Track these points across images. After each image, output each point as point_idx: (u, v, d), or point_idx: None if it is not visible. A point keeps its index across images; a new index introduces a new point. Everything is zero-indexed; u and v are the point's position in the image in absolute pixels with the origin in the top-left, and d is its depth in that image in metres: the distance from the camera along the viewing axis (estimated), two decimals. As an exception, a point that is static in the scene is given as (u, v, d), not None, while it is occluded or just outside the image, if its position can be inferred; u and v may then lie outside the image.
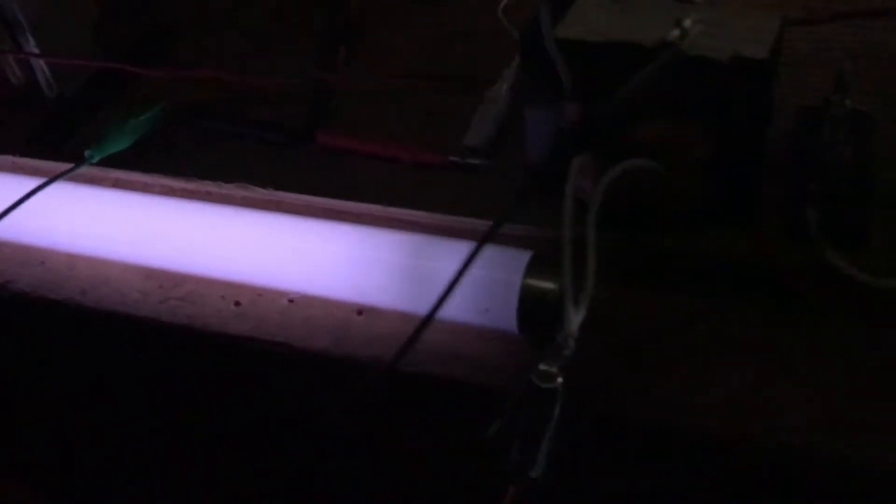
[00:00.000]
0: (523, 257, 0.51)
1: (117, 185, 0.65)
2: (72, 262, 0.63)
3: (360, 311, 0.56)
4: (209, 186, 0.63)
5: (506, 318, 0.51)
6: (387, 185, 0.60)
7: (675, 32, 0.41)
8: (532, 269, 0.50)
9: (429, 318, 0.44)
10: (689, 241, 0.50)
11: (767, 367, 0.47)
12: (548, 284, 0.49)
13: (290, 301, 0.57)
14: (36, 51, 0.69)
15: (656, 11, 0.46)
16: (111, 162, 0.65)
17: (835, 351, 0.47)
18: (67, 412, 0.67)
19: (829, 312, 0.48)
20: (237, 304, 0.58)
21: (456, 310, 0.53)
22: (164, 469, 0.66)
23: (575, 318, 0.43)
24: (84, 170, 0.65)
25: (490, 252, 0.54)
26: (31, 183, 0.62)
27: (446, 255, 0.52)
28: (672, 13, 0.47)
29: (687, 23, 0.41)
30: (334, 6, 0.75)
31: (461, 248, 0.54)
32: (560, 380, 0.44)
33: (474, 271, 0.53)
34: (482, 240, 0.44)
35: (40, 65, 0.70)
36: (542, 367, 0.45)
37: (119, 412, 0.66)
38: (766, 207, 0.51)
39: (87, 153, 0.62)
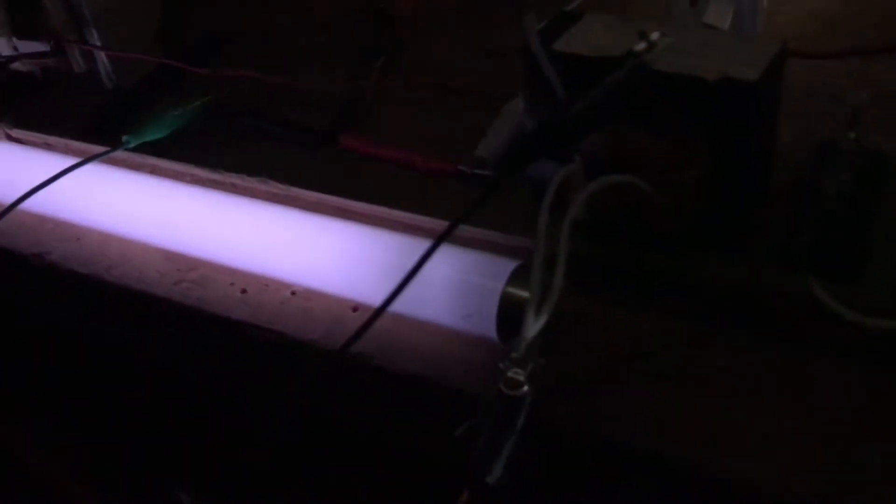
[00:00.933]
0: (509, 266, 0.52)
1: (154, 171, 0.69)
2: (104, 240, 0.67)
3: (356, 307, 0.57)
4: (234, 179, 0.66)
5: (487, 324, 0.51)
6: (398, 189, 0.62)
7: (641, 45, 0.41)
8: (515, 278, 0.51)
9: (380, 311, 0.45)
10: (676, 262, 0.50)
11: (742, 399, 0.46)
12: (527, 293, 0.49)
13: (293, 293, 0.59)
14: (98, 43, 0.74)
15: (655, 30, 0.47)
16: (150, 149, 0.69)
17: (813, 389, 0.46)
18: (82, 376, 0.71)
19: (812, 348, 0.47)
20: (244, 291, 0.60)
21: (441, 313, 0.54)
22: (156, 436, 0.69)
23: (533, 324, 0.43)
24: (125, 156, 0.70)
25: (480, 260, 0.55)
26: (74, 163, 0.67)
27: (439, 259, 0.53)
28: (674, 32, 0.47)
29: (654, 36, 0.41)
30: (381, 21, 0.78)
31: (454, 254, 0.55)
32: (526, 388, 0.45)
33: (462, 277, 0.54)
34: (438, 238, 0.45)
35: (101, 57, 0.74)
36: (510, 374, 0.45)
37: (124, 379, 0.69)
38: (762, 235, 0.50)
39: (123, 138, 0.66)
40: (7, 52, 0.78)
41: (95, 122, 0.74)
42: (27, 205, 0.68)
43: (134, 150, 0.69)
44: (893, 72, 0.62)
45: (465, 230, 0.57)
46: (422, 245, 0.57)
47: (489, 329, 0.51)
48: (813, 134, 0.56)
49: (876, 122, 0.57)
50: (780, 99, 0.48)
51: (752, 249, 0.49)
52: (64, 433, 0.69)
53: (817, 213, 0.46)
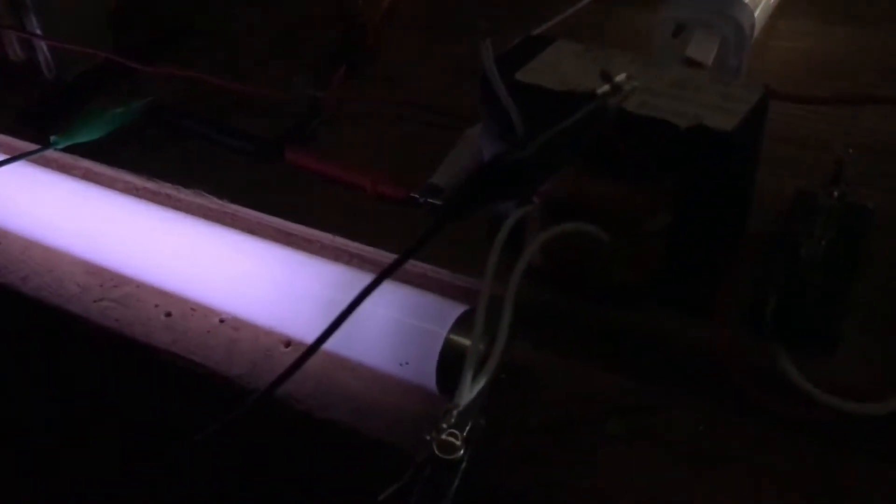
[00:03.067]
0: (456, 311, 0.47)
1: (86, 175, 0.64)
2: (27, 246, 0.62)
3: (288, 342, 0.52)
4: (169, 189, 0.61)
5: (425, 372, 0.47)
6: (345, 212, 0.57)
7: (605, 87, 0.37)
8: (460, 325, 0.46)
9: (311, 351, 0.41)
10: (634, 318, 0.45)
11: (693, 473, 0.42)
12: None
13: (221, 321, 0.54)
14: (38, 31, 0.69)
15: (626, 67, 0.42)
16: (84, 150, 0.64)
17: (769, 464, 0.42)
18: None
19: (772, 424, 0.42)
20: (168, 314, 0.55)
21: (377, 357, 0.50)
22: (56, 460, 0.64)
23: (469, 391, 0.39)
24: (56, 156, 0.64)
25: (424, 301, 0.50)
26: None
27: (377, 296, 0.49)
28: (646, 69, 0.43)
29: (619, 78, 0.37)
30: (349, 29, 0.73)
31: (395, 291, 0.50)
32: (462, 452, 0.40)
33: (403, 319, 0.50)
34: (376, 279, 0.40)
35: (41, 46, 0.69)
36: (445, 437, 0.40)
37: (28, 400, 0.64)
38: (731, 294, 0.46)
39: (52, 139, 0.61)
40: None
41: (30, 116, 0.69)
42: (-55, 202, 0.63)
43: (67, 150, 0.64)
44: (885, 122, 0.58)
45: (412, 265, 0.53)
46: (365, 279, 0.52)
47: (428, 378, 0.47)
48: (794, 183, 0.52)
49: (862, 175, 0.53)
50: (759, 148, 0.44)
51: (719, 309, 0.44)
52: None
53: (789, 277, 0.42)
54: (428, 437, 0.37)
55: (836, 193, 0.45)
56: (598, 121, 0.37)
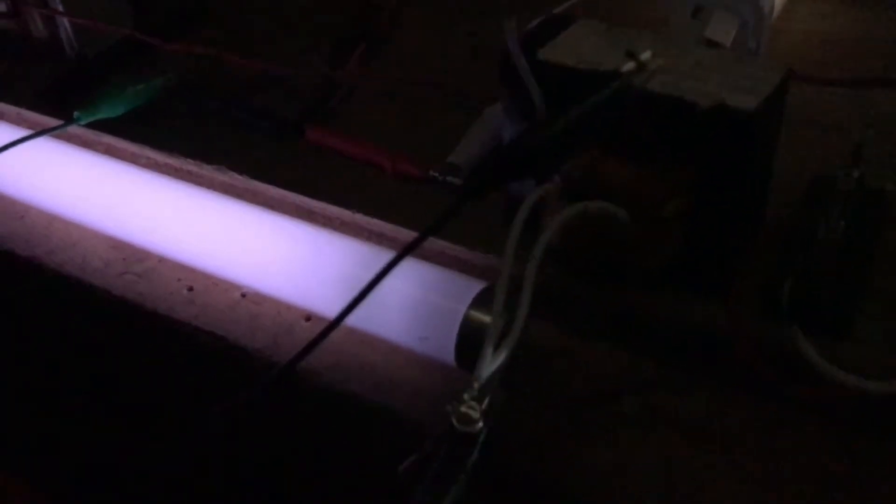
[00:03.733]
0: (475, 288, 0.48)
1: (108, 151, 0.65)
2: (50, 220, 0.62)
3: (309, 317, 0.53)
4: (191, 166, 0.61)
5: (445, 348, 0.47)
6: (364, 190, 0.58)
7: (630, 65, 0.37)
8: (479, 302, 0.47)
9: (333, 326, 0.41)
10: (652, 300, 0.46)
11: (707, 454, 0.42)
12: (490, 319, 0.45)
13: (243, 295, 0.55)
14: (60, 8, 0.69)
15: (649, 46, 0.43)
16: (107, 126, 0.65)
17: (787, 449, 0.42)
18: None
19: (789, 406, 0.43)
20: (190, 289, 0.56)
21: (397, 332, 0.50)
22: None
23: (491, 362, 0.39)
24: (79, 131, 0.65)
25: (444, 278, 0.51)
26: (23, 135, 0.62)
27: (398, 272, 0.49)
28: (668, 49, 0.43)
29: (644, 56, 0.37)
30: (366, 9, 0.73)
31: (415, 268, 0.51)
32: (481, 425, 0.41)
33: (423, 295, 0.50)
34: (398, 255, 0.41)
35: (63, 22, 0.70)
36: (464, 409, 0.41)
37: (54, 372, 0.65)
38: (749, 277, 0.46)
39: (75, 114, 0.62)
40: (-39, 10, 0.73)
41: (52, 93, 0.70)
42: (-29, 177, 0.64)
43: (89, 126, 0.65)
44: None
45: (432, 243, 0.53)
46: (384, 255, 0.53)
47: (447, 354, 0.47)
48: (813, 167, 0.52)
49: (882, 159, 0.54)
50: (779, 130, 0.44)
51: (736, 293, 0.45)
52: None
53: (807, 259, 0.42)
54: (448, 409, 0.38)
55: (854, 175, 0.45)
56: (622, 100, 0.37)
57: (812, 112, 0.58)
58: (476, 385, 0.39)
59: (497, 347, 0.40)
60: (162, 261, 0.58)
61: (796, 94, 0.58)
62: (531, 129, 0.37)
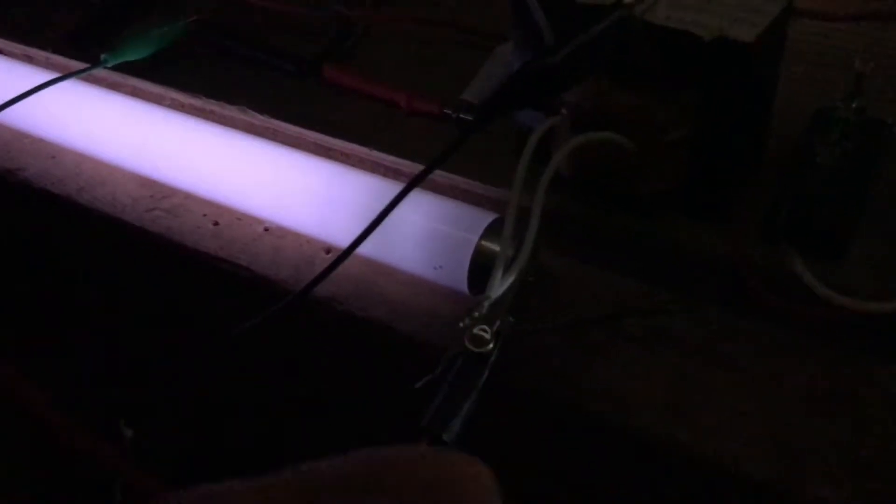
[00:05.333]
0: (487, 218, 0.50)
1: (133, 92, 0.67)
2: (80, 160, 0.65)
3: (329, 249, 0.56)
4: (213, 106, 0.64)
5: (458, 276, 0.50)
6: (380, 128, 0.60)
7: (631, -5, 0.39)
8: (491, 232, 0.49)
9: (347, 254, 0.43)
10: (656, 226, 0.48)
11: (707, 372, 0.45)
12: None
13: (266, 229, 0.58)
14: (83, -47, 0.71)
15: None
16: (131, 68, 0.67)
17: (786, 367, 0.44)
18: (45, 294, 0.71)
19: (785, 325, 0.45)
20: (216, 223, 0.58)
21: (413, 262, 0.53)
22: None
23: (500, 283, 0.42)
24: (105, 74, 0.67)
25: (457, 210, 0.53)
26: (52, 78, 0.65)
27: (412, 205, 0.51)
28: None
29: (645, -14, 0.38)
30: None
31: (429, 200, 0.53)
32: (491, 346, 0.43)
33: (436, 226, 0.53)
34: (410, 182, 0.43)
35: (87, -33, 0.71)
36: (476, 331, 0.43)
37: (85, 304, 0.69)
38: (750, 206, 0.48)
39: (102, 57, 0.64)
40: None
41: (77, 36, 0.72)
42: (4, 119, 0.66)
43: (114, 68, 0.67)
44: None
45: (445, 178, 0.56)
46: (399, 189, 0.56)
47: (460, 282, 0.50)
48: (817, 102, 0.53)
49: (885, 93, 0.55)
50: (780, 62, 0.46)
51: (737, 220, 0.47)
52: (23, 346, 0.69)
53: (804, 185, 0.44)
54: (461, 325, 0.40)
55: (854, 106, 0.46)
56: (624, 29, 0.39)
57: (818, 48, 0.59)
58: (486, 304, 0.41)
59: (506, 271, 0.42)
60: (188, 197, 0.60)
61: (801, 30, 0.59)
62: (536, 57, 0.38)
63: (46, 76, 0.66)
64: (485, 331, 0.43)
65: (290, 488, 0.30)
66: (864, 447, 0.41)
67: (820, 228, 0.44)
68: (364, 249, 0.54)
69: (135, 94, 0.67)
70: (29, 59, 0.73)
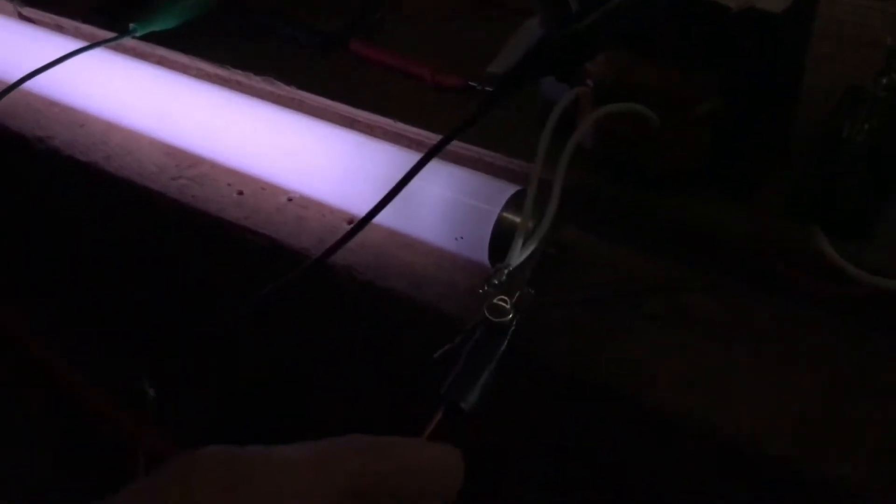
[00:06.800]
0: (509, 190, 0.50)
1: (161, 62, 0.68)
2: (107, 128, 0.66)
3: (351, 220, 0.56)
4: (240, 76, 0.64)
5: (479, 248, 0.50)
6: (405, 101, 0.60)
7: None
8: (512, 204, 0.49)
9: (365, 222, 0.44)
10: (680, 203, 0.47)
11: (729, 349, 0.44)
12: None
13: (290, 199, 0.58)
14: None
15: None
16: (158, 38, 0.67)
17: (807, 346, 0.44)
18: (73, 260, 0.72)
19: (810, 303, 0.45)
20: (240, 193, 0.59)
21: (434, 233, 0.53)
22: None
23: (520, 253, 0.42)
24: (133, 43, 0.68)
25: (479, 181, 0.53)
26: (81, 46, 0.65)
27: (434, 176, 0.52)
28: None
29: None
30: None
31: (451, 172, 0.53)
32: (511, 316, 0.43)
33: (458, 197, 0.53)
34: (430, 152, 0.43)
35: (118, -62, 0.72)
36: (496, 301, 0.44)
37: (111, 269, 0.69)
38: (777, 184, 0.48)
39: (131, 26, 0.64)
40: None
41: (106, 5, 0.72)
42: (35, 87, 0.67)
43: (142, 38, 0.67)
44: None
45: (468, 149, 0.56)
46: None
47: (481, 253, 0.50)
48: (846, 83, 0.53)
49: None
50: (809, 36, 0.45)
51: (763, 197, 0.46)
52: (52, 314, 0.70)
53: (831, 162, 0.44)
54: (480, 292, 0.40)
55: (884, 82, 0.45)
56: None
57: (850, 25, 0.58)
58: (505, 272, 0.41)
59: (527, 241, 0.42)
60: (213, 166, 0.61)
61: (835, 7, 0.58)
62: (561, 26, 0.38)
63: (75, 45, 0.67)
64: (504, 301, 0.43)
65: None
66: (884, 426, 0.41)
67: (845, 206, 0.43)
68: (385, 220, 0.54)
69: (162, 63, 0.67)
70: (59, 29, 0.73)
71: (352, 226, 0.55)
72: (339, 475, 0.31)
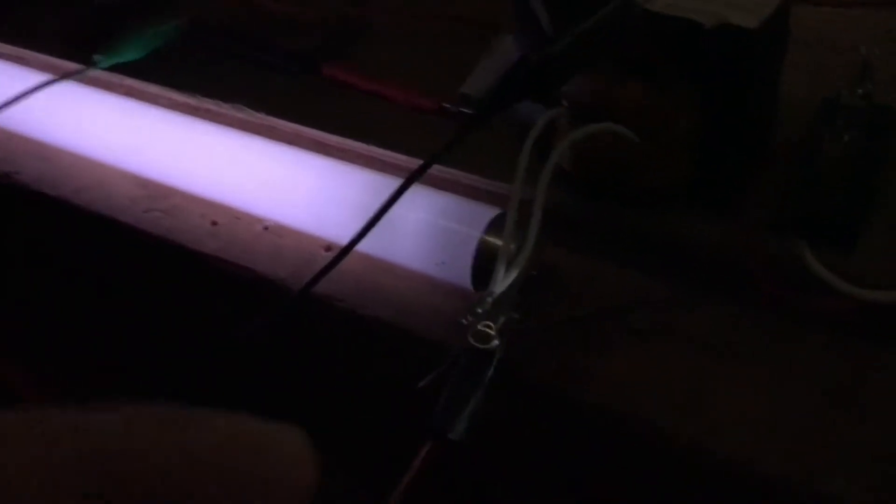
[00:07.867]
0: (489, 213, 0.50)
1: (129, 93, 0.66)
2: (74, 161, 0.64)
3: (329, 247, 0.55)
4: (210, 105, 0.63)
5: (461, 272, 0.49)
6: (380, 123, 0.59)
7: (633, -16, 0.38)
8: (494, 227, 0.48)
9: (346, 251, 0.43)
10: (661, 219, 0.47)
11: (716, 367, 0.44)
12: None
13: (265, 228, 0.57)
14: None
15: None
16: (126, 69, 0.66)
17: (790, 360, 0.44)
18: (48, 296, 0.70)
19: (794, 318, 0.44)
20: (214, 223, 0.58)
21: (415, 258, 0.52)
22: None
23: (503, 279, 0.41)
24: (100, 74, 0.67)
25: (459, 205, 0.52)
26: (46, 80, 0.64)
27: (413, 200, 0.51)
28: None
29: (646, -26, 0.38)
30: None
31: (432, 197, 0.52)
32: (496, 342, 0.42)
33: (438, 222, 0.52)
34: (409, 177, 0.42)
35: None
36: (481, 327, 0.43)
37: (83, 306, 0.68)
38: (757, 197, 0.47)
39: (94, 57, 0.63)
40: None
41: (73, 37, 0.71)
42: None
43: (110, 69, 0.66)
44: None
45: (446, 172, 0.55)
46: (396, 186, 0.55)
47: (464, 278, 0.49)
48: (826, 90, 0.53)
49: (891, 78, 0.54)
50: (784, 49, 0.45)
51: (745, 212, 0.46)
52: (22, 349, 0.68)
53: (813, 175, 0.43)
54: (464, 322, 0.40)
55: (860, 92, 0.45)
56: (625, 18, 0.38)
57: (824, 34, 0.58)
58: (489, 300, 0.40)
59: (509, 266, 0.42)
60: (186, 197, 0.60)
61: (808, 16, 0.58)
62: (536, 48, 0.38)
63: (40, 78, 0.65)
64: (489, 327, 0.43)
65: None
66: (877, 441, 0.40)
67: (827, 218, 0.43)
68: (365, 246, 0.54)
69: (130, 94, 0.66)
70: (22, 61, 0.72)
71: (331, 253, 0.54)
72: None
